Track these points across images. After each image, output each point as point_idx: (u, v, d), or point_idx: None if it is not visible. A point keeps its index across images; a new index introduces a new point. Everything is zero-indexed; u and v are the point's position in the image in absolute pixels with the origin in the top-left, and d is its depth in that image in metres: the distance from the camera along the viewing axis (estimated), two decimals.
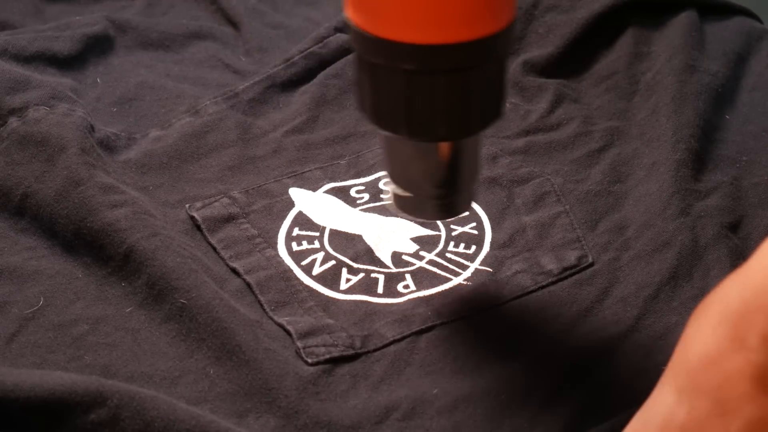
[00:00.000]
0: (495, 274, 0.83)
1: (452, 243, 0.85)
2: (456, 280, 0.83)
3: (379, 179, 0.90)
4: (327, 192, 0.90)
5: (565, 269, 0.83)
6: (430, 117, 0.71)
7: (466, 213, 0.82)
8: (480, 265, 0.84)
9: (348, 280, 0.83)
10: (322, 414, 0.73)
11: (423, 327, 0.79)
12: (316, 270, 0.83)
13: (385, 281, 0.82)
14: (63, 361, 0.76)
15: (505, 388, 0.75)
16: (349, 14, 0.69)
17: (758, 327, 0.58)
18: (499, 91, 0.72)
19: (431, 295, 0.81)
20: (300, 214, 0.88)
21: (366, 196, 0.89)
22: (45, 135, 0.88)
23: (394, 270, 0.83)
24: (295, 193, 0.89)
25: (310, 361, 0.76)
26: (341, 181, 0.90)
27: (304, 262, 0.84)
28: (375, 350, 0.78)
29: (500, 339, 0.78)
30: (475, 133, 0.73)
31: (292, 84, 0.99)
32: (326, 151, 0.93)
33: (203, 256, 0.83)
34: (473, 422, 0.73)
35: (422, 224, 0.87)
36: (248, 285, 0.82)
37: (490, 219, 0.87)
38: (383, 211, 0.88)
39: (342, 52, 1.01)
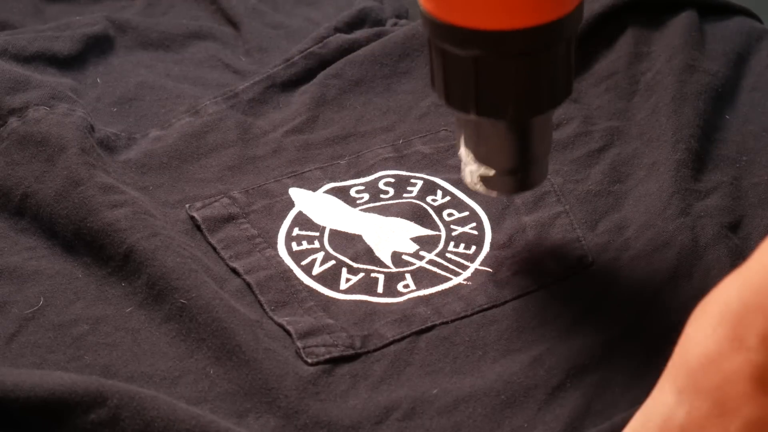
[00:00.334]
0: (495, 274, 0.83)
1: (452, 243, 0.85)
2: (456, 280, 0.83)
3: (379, 179, 0.90)
4: (327, 192, 0.90)
5: (565, 269, 0.83)
6: (498, 99, 0.73)
7: (540, 185, 0.83)
8: (480, 265, 0.84)
9: (348, 279, 0.83)
10: (322, 414, 0.73)
11: (423, 327, 0.79)
12: (316, 270, 0.83)
13: (385, 281, 0.83)
14: (63, 361, 0.76)
15: (505, 388, 0.75)
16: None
17: (758, 327, 0.58)
18: (566, 71, 0.74)
19: (431, 295, 0.82)
20: (300, 214, 0.88)
21: (366, 196, 0.89)
22: (45, 135, 0.88)
23: (394, 270, 0.83)
24: (295, 193, 0.89)
25: (310, 361, 0.76)
26: (341, 181, 0.90)
27: (304, 262, 0.84)
28: (375, 350, 0.78)
29: (500, 339, 0.78)
30: (545, 112, 0.75)
31: (292, 84, 0.99)
32: (326, 151, 0.93)
33: (203, 256, 0.83)
34: (473, 422, 0.73)
35: (422, 224, 0.87)
36: (248, 285, 0.82)
37: (490, 219, 0.87)
38: (383, 211, 0.88)
39: (342, 52, 1.01)
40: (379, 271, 0.83)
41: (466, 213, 0.87)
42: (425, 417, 0.73)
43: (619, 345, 0.77)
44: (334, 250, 0.85)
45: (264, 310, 0.80)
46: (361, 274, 0.83)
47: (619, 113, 0.96)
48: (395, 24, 1.05)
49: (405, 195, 0.89)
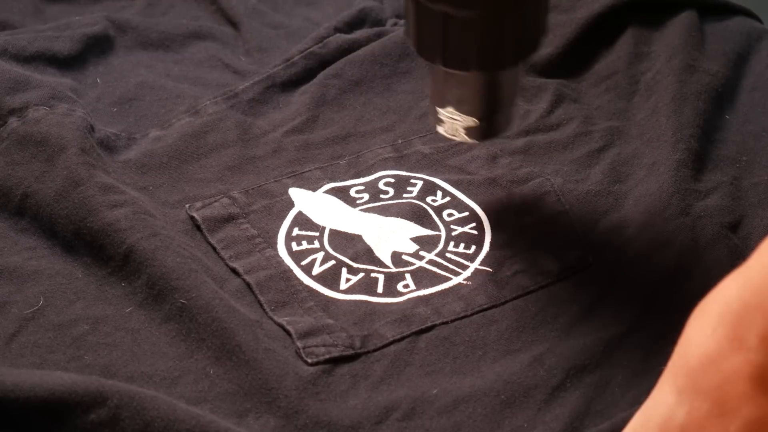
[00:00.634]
0: (495, 274, 0.83)
1: (452, 243, 0.85)
2: (456, 280, 0.83)
3: (379, 179, 0.90)
4: (327, 192, 0.90)
5: (565, 269, 0.83)
6: (463, 52, 0.77)
7: (507, 133, 0.87)
8: (480, 265, 0.84)
9: (348, 279, 0.83)
10: (322, 414, 0.73)
11: (423, 327, 0.79)
12: (316, 270, 0.83)
13: (385, 281, 0.83)
14: (63, 361, 0.76)
15: (505, 388, 0.75)
16: None
17: (757, 327, 0.58)
18: (533, 28, 0.78)
19: (431, 295, 0.82)
20: (300, 214, 0.88)
21: (366, 196, 0.89)
22: (45, 135, 0.88)
23: (393, 270, 0.83)
24: (294, 193, 0.89)
25: (310, 361, 0.76)
26: (341, 181, 0.90)
27: (303, 262, 0.84)
28: (375, 350, 0.78)
29: (500, 339, 0.78)
30: (509, 67, 0.79)
31: (292, 84, 0.99)
32: (326, 151, 0.93)
33: (203, 256, 0.83)
34: (473, 422, 0.73)
35: (422, 224, 0.87)
36: (248, 285, 0.82)
37: (490, 219, 0.87)
38: (383, 211, 0.88)
39: (342, 52, 1.01)
40: (379, 271, 0.83)
41: (466, 213, 0.87)
42: (425, 417, 0.73)
43: (619, 345, 0.78)
44: (334, 250, 0.85)
45: (264, 310, 0.80)
46: (361, 274, 0.83)
47: (619, 113, 0.96)
48: (395, 24, 1.05)
49: (405, 195, 0.89)
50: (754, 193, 0.88)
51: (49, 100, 0.91)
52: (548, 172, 0.90)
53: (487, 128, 0.83)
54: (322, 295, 0.82)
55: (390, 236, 0.86)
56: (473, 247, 0.85)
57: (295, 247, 0.85)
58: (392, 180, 0.90)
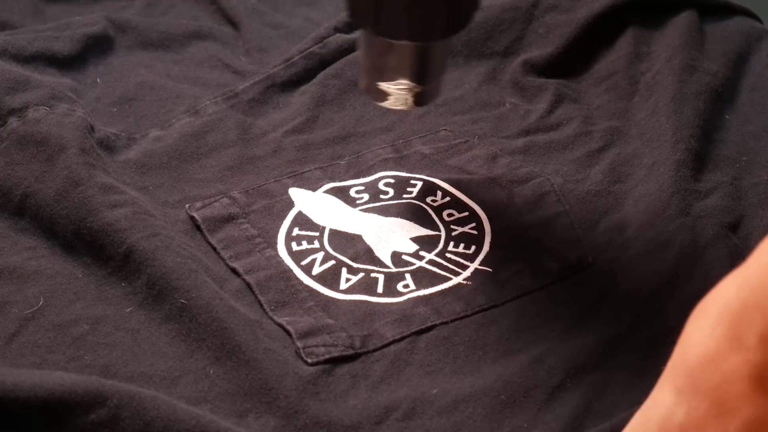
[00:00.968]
0: (495, 274, 0.83)
1: (452, 243, 0.85)
2: (456, 280, 0.83)
3: (379, 179, 0.90)
4: (327, 192, 0.90)
5: (565, 269, 0.83)
6: (395, 21, 0.79)
7: (434, 100, 0.89)
8: (480, 265, 0.84)
9: (348, 279, 0.83)
10: (322, 414, 0.73)
11: (423, 327, 0.79)
12: (316, 270, 0.83)
13: (385, 281, 0.83)
14: (63, 361, 0.76)
15: (505, 388, 0.75)
16: None
17: (756, 327, 0.58)
18: (461, 3, 0.79)
19: (431, 295, 0.82)
20: (300, 214, 0.88)
21: (366, 196, 0.89)
22: (45, 135, 0.88)
23: (393, 270, 0.83)
24: (294, 193, 0.89)
25: (309, 361, 0.77)
26: (341, 181, 0.90)
27: (303, 262, 0.84)
28: (375, 350, 0.78)
29: (500, 339, 0.79)
30: (438, 40, 0.81)
31: (291, 84, 0.99)
32: (326, 151, 0.93)
33: (203, 256, 0.83)
34: (473, 422, 0.73)
35: (422, 224, 0.87)
36: (248, 285, 0.82)
37: (490, 219, 0.87)
38: (383, 211, 0.88)
39: (342, 52, 1.01)
40: (379, 271, 0.83)
41: (466, 213, 0.87)
42: (425, 417, 0.73)
43: (619, 345, 0.78)
44: (334, 250, 0.85)
45: (264, 310, 0.80)
46: (361, 274, 0.83)
47: (619, 113, 0.96)
48: None
49: (405, 195, 0.89)
50: (754, 193, 0.88)
51: (49, 100, 0.91)
52: (548, 172, 0.91)
53: (433, 91, 0.85)
54: (322, 295, 0.82)
55: (390, 236, 0.86)
56: (473, 247, 0.85)
57: (295, 247, 0.85)
58: (392, 180, 0.90)
